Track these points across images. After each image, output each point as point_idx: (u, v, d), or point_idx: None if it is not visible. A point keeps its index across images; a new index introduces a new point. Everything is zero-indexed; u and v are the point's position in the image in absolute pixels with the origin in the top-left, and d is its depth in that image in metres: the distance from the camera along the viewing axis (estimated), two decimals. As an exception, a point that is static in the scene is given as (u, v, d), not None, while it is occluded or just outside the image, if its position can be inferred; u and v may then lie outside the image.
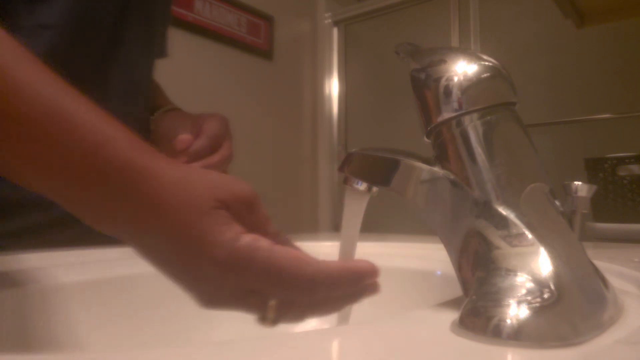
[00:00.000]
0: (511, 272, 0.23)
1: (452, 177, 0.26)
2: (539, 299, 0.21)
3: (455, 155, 0.26)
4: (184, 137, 0.55)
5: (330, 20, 2.31)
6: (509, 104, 0.27)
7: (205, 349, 0.19)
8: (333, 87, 2.31)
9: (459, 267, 0.26)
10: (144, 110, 0.64)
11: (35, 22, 0.49)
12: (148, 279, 0.46)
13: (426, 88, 0.27)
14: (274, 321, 0.28)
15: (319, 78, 2.31)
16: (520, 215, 0.24)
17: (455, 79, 0.26)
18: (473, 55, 0.27)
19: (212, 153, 0.55)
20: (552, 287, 0.22)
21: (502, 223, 0.24)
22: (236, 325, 0.48)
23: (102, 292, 0.43)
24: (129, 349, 0.18)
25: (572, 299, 0.22)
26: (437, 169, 0.27)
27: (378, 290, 0.30)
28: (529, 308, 0.21)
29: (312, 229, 2.19)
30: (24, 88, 0.26)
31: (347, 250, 0.35)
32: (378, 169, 0.31)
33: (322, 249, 0.57)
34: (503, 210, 0.25)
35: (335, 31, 2.32)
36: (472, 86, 0.26)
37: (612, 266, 0.37)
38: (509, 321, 0.20)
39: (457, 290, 0.26)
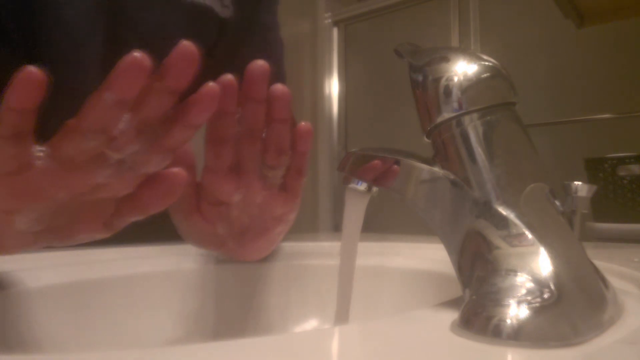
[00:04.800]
0: (511, 272, 0.23)
1: (452, 177, 0.27)
2: (539, 299, 0.21)
3: (455, 155, 0.26)
4: None
5: (330, 20, 2.31)
6: (509, 104, 0.27)
7: (205, 349, 0.19)
8: (333, 87, 2.31)
9: (459, 267, 0.26)
10: None
11: None
12: (145, 279, 0.46)
13: (426, 88, 0.27)
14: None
15: (319, 78, 2.31)
16: (520, 215, 0.24)
17: (455, 79, 0.26)
18: (473, 55, 0.27)
19: None
20: (552, 287, 0.22)
21: (502, 223, 0.24)
22: (238, 324, 0.48)
23: (96, 293, 0.43)
24: (125, 349, 0.18)
25: (572, 299, 0.22)
26: (437, 169, 0.27)
27: None
28: (529, 308, 0.21)
29: (312, 229, 2.19)
30: None
31: (348, 251, 0.35)
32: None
33: (322, 249, 0.57)
34: (503, 210, 0.25)
35: (335, 31, 2.32)
36: (472, 86, 0.26)
37: (612, 266, 0.36)
38: (509, 321, 0.20)
39: (457, 290, 0.26)
